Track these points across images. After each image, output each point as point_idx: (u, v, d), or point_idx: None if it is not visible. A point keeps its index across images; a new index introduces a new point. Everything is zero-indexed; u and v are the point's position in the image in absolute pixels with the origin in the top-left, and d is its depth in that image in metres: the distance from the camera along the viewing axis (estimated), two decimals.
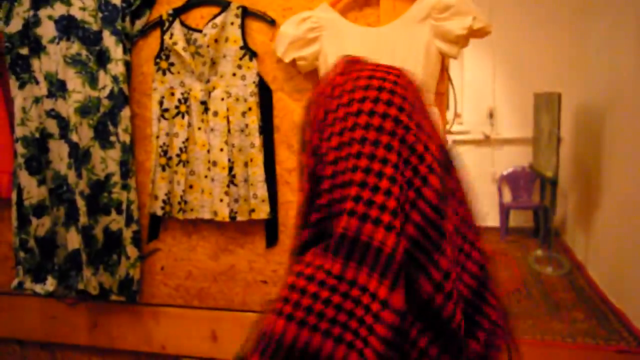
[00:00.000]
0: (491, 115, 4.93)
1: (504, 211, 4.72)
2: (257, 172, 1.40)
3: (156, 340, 1.60)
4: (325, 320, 0.57)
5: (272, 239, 1.46)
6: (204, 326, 1.56)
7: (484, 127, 4.94)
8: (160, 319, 1.59)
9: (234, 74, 1.42)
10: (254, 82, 1.41)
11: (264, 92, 1.42)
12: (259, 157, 1.40)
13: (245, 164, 1.41)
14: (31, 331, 1.72)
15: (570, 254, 4.17)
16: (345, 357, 0.56)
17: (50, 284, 1.56)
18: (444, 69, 1.32)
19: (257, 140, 1.40)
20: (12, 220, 1.57)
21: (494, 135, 4.92)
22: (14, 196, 1.55)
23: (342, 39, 1.30)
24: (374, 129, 0.62)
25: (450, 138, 4.30)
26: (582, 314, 3.07)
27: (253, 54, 1.41)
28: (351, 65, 0.69)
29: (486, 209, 4.79)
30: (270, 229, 1.46)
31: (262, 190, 1.40)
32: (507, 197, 4.84)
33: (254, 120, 1.41)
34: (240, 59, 1.41)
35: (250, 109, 1.41)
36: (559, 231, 4.59)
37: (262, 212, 1.41)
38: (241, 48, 1.41)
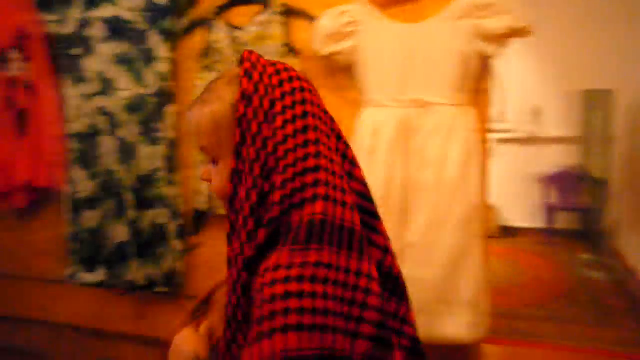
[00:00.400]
0: (536, 113, 4.79)
1: (549, 212, 4.58)
2: None
3: None
4: (331, 316, 0.56)
5: None
6: None
7: (528, 125, 4.80)
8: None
9: None
10: None
11: None
12: None
13: None
14: (85, 318, 1.80)
15: (622, 258, 4.00)
16: (352, 345, 0.57)
17: (100, 274, 1.62)
18: (485, 67, 1.29)
19: None
20: (65, 212, 1.64)
21: (540, 134, 4.78)
22: (66, 189, 1.63)
23: (379, 34, 1.29)
24: (318, 117, 0.66)
25: (494, 136, 4.19)
26: (634, 322, 2.94)
27: (294, 51, 1.43)
28: (259, 57, 0.69)
29: (531, 210, 4.66)
30: None
31: None
32: (553, 197, 4.70)
33: None
34: (282, 56, 1.43)
35: None
36: (608, 234, 4.42)
37: None
38: (283, 45, 1.43)
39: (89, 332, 1.83)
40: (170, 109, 1.53)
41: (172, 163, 1.54)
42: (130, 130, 1.54)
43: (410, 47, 1.24)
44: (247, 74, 0.66)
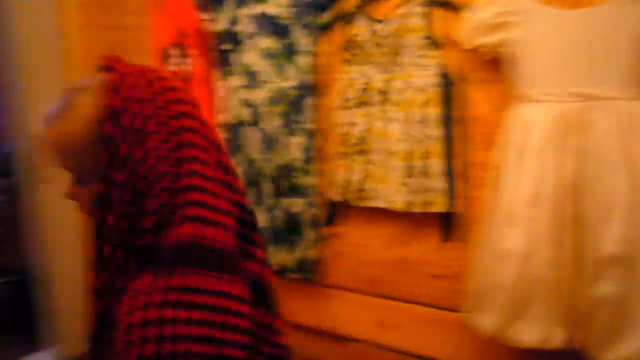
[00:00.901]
0: None
1: None
2: (436, 164, 1.37)
3: (327, 319, 1.69)
4: (196, 342, 0.52)
5: (447, 234, 1.42)
6: (372, 312, 1.60)
7: None
8: (331, 300, 1.67)
9: (416, 64, 1.40)
10: (436, 73, 1.37)
11: (446, 83, 1.38)
12: (438, 149, 1.37)
13: (424, 156, 1.39)
14: None
15: None
16: None
17: None
18: None
19: (437, 131, 1.37)
20: None
21: None
22: None
23: (538, 22, 1.19)
24: (194, 130, 0.61)
25: None
26: None
27: (436, 44, 1.38)
28: (126, 65, 0.62)
29: None
30: (446, 223, 1.42)
31: (440, 183, 1.37)
32: None
33: (434, 111, 1.38)
34: (423, 49, 1.39)
35: (431, 100, 1.38)
36: None
37: (439, 205, 1.38)
38: (424, 38, 1.39)
39: None
40: (310, 102, 1.57)
41: (310, 154, 1.59)
42: (272, 122, 1.62)
43: (575, 35, 1.13)
44: (114, 88, 0.59)
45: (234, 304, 0.58)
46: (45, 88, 2.29)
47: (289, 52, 1.58)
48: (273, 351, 0.70)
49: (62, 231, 2.40)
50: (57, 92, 2.31)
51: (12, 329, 2.77)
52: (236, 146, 1.70)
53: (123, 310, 0.54)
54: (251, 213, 0.70)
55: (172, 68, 1.80)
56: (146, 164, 0.57)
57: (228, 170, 0.67)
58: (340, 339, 1.68)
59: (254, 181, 1.68)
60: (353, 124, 1.51)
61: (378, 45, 1.44)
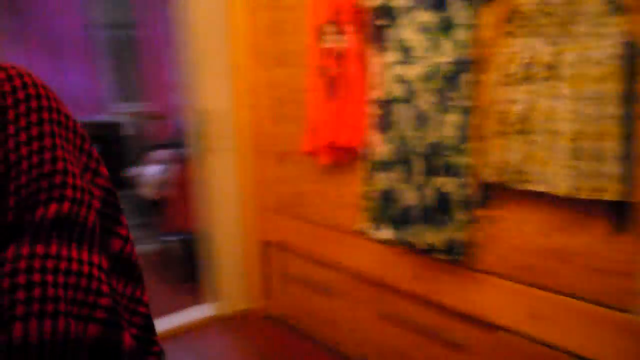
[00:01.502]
0: None
1: None
2: (612, 146, 1.22)
3: (474, 304, 1.64)
4: (63, 303, 0.57)
5: (620, 225, 1.27)
6: (524, 302, 1.51)
7: None
8: (480, 285, 1.61)
9: (594, 34, 1.25)
10: (617, 43, 1.22)
11: (631, 55, 1.21)
12: (615, 130, 1.22)
13: (597, 137, 1.25)
14: (370, 269, 1.99)
15: None
16: (85, 329, 0.59)
17: (387, 233, 1.76)
18: None
19: (615, 110, 1.22)
20: (363, 172, 1.82)
21: None
22: (367, 151, 1.79)
23: None
24: (56, 123, 0.65)
25: None
26: None
27: (621, 9, 1.21)
28: None
29: None
30: (620, 213, 1.27)
31: (614, 168, 1.23)
32: None
33: (613, 87, 1.22)
34: (604, 15, 1.23)
35: (610, 74, 1.23)
36: None
37: (612, 192, 1.23)
38: (605, 3, 1.23)
39: (372, 282, 2.02)
40: (467, 78, 1.51)
41: (465, 132, 1.53)
42: (426, 99, 1.59)
43: None
44: None
45: (95, 271, 0.63)
46: (213, 66, 2.52)
47: (446, 26, 1.52)
48: (137, 319, 0.76)
49: (223, 196, 2.65)
50: (224, 70, 2.52)
51: (183, 282, 3.16)
52: (388, 123, 1.70)
53: (6, 279, 0.58)
54: (115, 195, 0.77)
55: (328, 45, 1.86)
56: (4, 148, 0.62)
57: (91, 156, 0.73)
58: (487, 326, 1.62)
59: (404, 158, 1.67)
60: (513, 102, 1.41)
61: (547, 14, 1.32)
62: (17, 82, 0.67)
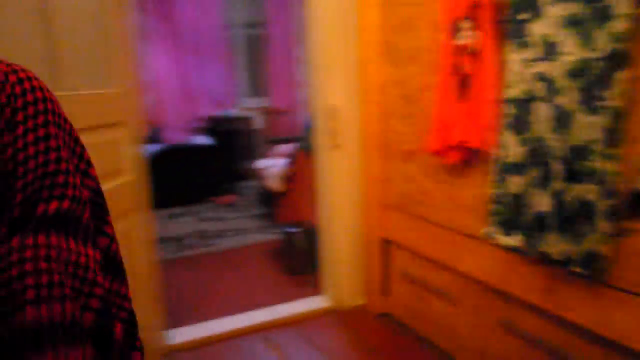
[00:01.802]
0: None
1: None
2: None
3: (613, 326, 1.48)
4: (67, 289, 0.64)
5: None
6: None
7: None
8: (622, 306, 1.44)
9: None
10: None
11: None
12: None
13: None
14: (492, 276, 1.89)
15: None
16: (81, 316, 0.66)
17: (516, 239, 1.65)
18: None
19: None
20: (492, 174, 1.73)
21: None
22: (496, 152, 1.70)
23: None
24: (59, 125, 0.71)
25: None
26: None
27: None
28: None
29: None
30: None
31: None
32: None
33: None
34: None
35: None
36: None
37: None
38: None
39: (493, 290, 1.92)
40: (621, 75, 1.36)
41: (614, 135, 1.38)
42: (569, 97, 1.46)
43: None
44: None
45: (90, 262, 0.69)
46: (338, 63, 2.55)
47: (600, 17, 1.38)
48: (123, 314, 0.79)
49: (343, 191, 2.68)
50: (350, 67, 2.54)
51: (300, 273, 3.27)
52: (524, 123, 1.59)
53: (16, 267, 0.64)
54: (102, 196, 0.80)
55: (461, 41, 1.79)
56: (14, 147, 0.67)
57: (82, 158, 0.77)
58: (628, 353, 1.45)
59: (540, 162, 1.55)
60: None
61: None
62: (27, 85, 0.71)
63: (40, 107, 0.71)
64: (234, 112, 5.90)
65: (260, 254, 3.75)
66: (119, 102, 1.94)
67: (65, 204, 0.71)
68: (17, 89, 0.70)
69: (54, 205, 0.69)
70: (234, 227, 4.46)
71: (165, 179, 3.97)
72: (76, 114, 1.68)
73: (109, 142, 1.88)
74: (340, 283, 2.78)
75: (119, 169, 1.94)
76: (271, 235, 4.08)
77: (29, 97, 0.71)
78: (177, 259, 3.68)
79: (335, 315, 2.72)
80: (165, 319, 2.36)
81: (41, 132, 0.70)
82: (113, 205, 1.87)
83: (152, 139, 5.10)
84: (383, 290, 2.69)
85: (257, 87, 6.22)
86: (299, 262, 3.29)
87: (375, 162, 2.56)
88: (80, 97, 1.70)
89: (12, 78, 0.71)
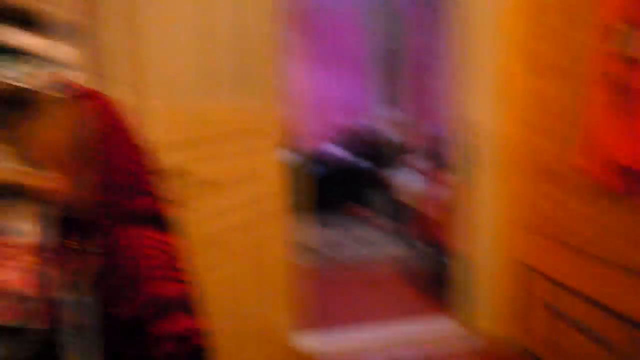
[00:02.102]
0: None
1: None
2: None
3: None
4: (167, 269, 0.90)
5: None
6: None
7: None
8: None
9: None
10: None
11: None
12: None
13: None
14: None
15: None
16: (182, 290, 0.91)
17: None
18: None
19: None
20: None
21: None
22: None
23: None
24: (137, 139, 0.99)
25: None
26: None
27: None
28: (84, 89, 0.95)
29: None
30: None
31: None
32: None
33: None
34: None
35: None
36: None
37: None
38: None
39: None
40: None
41: None
42: None
43: None
44: (99, 113, 0.91)
45: (173, 249, 0.91)
46: (481, 76, 2.41)
47: None
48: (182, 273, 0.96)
49: (482, 212, 2.52)
50: (492, 79, 2.39)
51: (429, 292, 3.14)
52: None
53: (129, 252, 0.86)
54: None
55: (622, 49, 1.57)
56: (121, 160, 0.94)
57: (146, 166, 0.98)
58: None
59: None
60: None
61: None
62: (114, 107, 0.96)
63: (126, 123, 0.99)
64: (369, 123, 5.94)
65: (390, 268, 3.69)
66: (264, 112, 2.04)
67: (152, 201, 0.94)
68: (110, 108, 1.00)
69: (145, 203, 0.93)
70: (365, 238, 4.46)
71: (298, 187, 4.12)
72: (225, 123, 1.80)
73: (254, 150, 1.98)
74: (473, 307, 2.61)
75: (262, 175, 2.04)
76: (402, 250, 4.00)
77: (119, 115, 0.99)
78: (306, 266, 3.78)
79: (465, 342, 2.56)
80: (295, 322, 2.42)
81: (131, 143, 0.97)
82: (254, 209, 1.97)
83: (289, 147, 5.33)
84: (521, 321, 2.47)
85: (394, 99, 6.19)
86: (430, 280, 3.17)
87: (519, 181, 2.37)
88: (232, 106, 1.82)
89: (102, 100, 1.01)
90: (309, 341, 2.52)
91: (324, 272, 3.64)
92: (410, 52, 5.88)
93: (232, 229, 1.85)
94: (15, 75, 1.34)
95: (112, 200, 0.89)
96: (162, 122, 1.46)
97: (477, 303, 2.59)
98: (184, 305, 0.90)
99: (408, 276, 3.42)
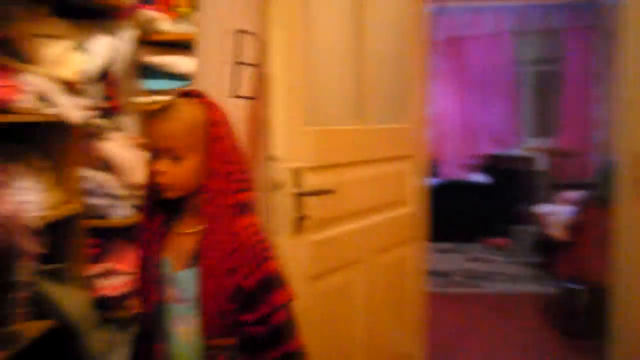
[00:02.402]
0: None
1: None
2: None
3: None
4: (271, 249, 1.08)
5: None
6: None
7: None
8: None
9: None
10: None
11: None
12: None
13: None
14: None
15: None
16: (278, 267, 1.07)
17: None
18: None
19: None
20: None
21: None
22: None
23: None
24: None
25: None
26: None
27: None
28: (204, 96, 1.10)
29: None
30: None
31: None
32: None
33: None
34: None
35: None
36: None
37: None
38: None
39: None
40: None
41: None
42: None
43: None
44: (211, 107, 1.08)
45: (263, 232, 1.10)
46: None
47: None
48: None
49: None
50: None
51: (581, 337, 2.86)
52: None
53: (243, 237, 1.04)
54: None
55: None
56: (232, 150, 1.07)
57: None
58: None
59: None
60: None
61: None
62: (220, 108, 1.09)
63: (231, 123, 1.12)
64: (515, 151, 5.63)
65: (531, 305, 3.44)
66: (409, 136, 2.07)
67: (251, 194, 1.09)
68: (219, 110, 1.10)
69: (248, 195, 1.08)
70: (504, 271, 4.22)
71: (437, 214, 4.05)
72: (374, 146, 1.87)
73: (398, 173, 2.02)
74: (635, 357, 2.32)
75: (403, 200, 2.06)
76: (546, 288, 3.70)
77: (226, 115, 1.12)
78: (441, 294, 3.68)
79: None
80: (426, 351, 2.38)
81: (234, 140, 1.10)
82: (394, 233, 2.00)
83: (430, 172, 5.27)
84: None
85: (544, 127, 5.79)
86: (580, 324, 2.89)
87: None
88: (378, 131, 1.88)
89: (209, 101, 1.10)
90: None
91: (458, 302, 3.52)
92: (569, 76, 5.48)
93: (373, 251, 1.90)
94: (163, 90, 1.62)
95: (224, 188, 1.04)
96: (312, 145, 1.57)
97: (633, 351, 2.30)
98: (282, 279, 1.08)
99: (551, 315, 3.15)
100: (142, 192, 1.12)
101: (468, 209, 5.15)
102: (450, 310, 3.37)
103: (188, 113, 1.04)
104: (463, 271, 4.23)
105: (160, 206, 1.09)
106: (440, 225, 4.72)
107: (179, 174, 1.02)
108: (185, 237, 1.08)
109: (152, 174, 1.04)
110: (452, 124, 5.67)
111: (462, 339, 2.88)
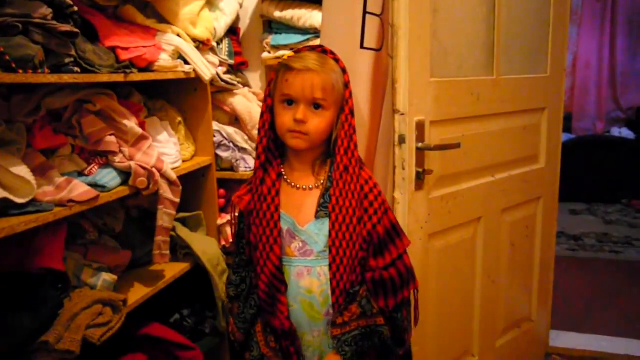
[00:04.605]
0: None
1: None
2: None
3: None
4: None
5: None
6: None
7: None
8: None
9: None
10: None
11: None
12: None
13: None
14: None
15: None
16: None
17: None
18: None
19: None
20: None
21: None
22: None
23: None
24: None
25: None
26: None
27: None
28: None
29: None
30: None
31: None
32: None
33: None
34: None
35: None
36: None
37: None
38: None
39: None
40: None
41: None
42: None
43: None
44: (344, 67, 1.09)
45: None
46: None
47: None
48: None
49: None
50: None
51: None
52: None
53: (367, 189, 1.08)
54: None
55: None
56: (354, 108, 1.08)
57: None
58: None
59: None
60: None
61: None
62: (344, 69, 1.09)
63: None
64: None
65: None
66: (545, 87, 1.89)
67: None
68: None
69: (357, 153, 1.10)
70: None
71: (571, 172, 3.71)
72: (506, 98, 1.73)
73: (531, 127, 1.87)
74: None
75: (536, 155, 1.91)
76: None
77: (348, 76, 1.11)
78: (570, 258, 3.42)
79: None
80: (551, 317, 2.24)
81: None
82: (523, 190, 1.87)
83: (565, 126, 4.83)
84: None
85: None
86: None
87: None
88: (510, 81, 1.74)
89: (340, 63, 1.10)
90: (565, 341, 2.31)
91: (589, 268, 3.25)
92: None
93: (498, 209, 1.80)
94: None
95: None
96: (438, 98, 1.50)
97: None
98: (400, 227, 1.15)
99: None
100: (259, 145, 1.09)
101: (607, 166, 4.65)
102: (580, 276, 3.13)
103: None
104: (597, 234, 3.88)
105: (275, 160, 1.11)
106: (574, 183, 4.35)
107: (318, 124, 1.04)
108: (306, 191, 1.10)
109: (286, 123, 1.04)
110: (592, 72, 5.09)
111: (591, 309, 2.67)
